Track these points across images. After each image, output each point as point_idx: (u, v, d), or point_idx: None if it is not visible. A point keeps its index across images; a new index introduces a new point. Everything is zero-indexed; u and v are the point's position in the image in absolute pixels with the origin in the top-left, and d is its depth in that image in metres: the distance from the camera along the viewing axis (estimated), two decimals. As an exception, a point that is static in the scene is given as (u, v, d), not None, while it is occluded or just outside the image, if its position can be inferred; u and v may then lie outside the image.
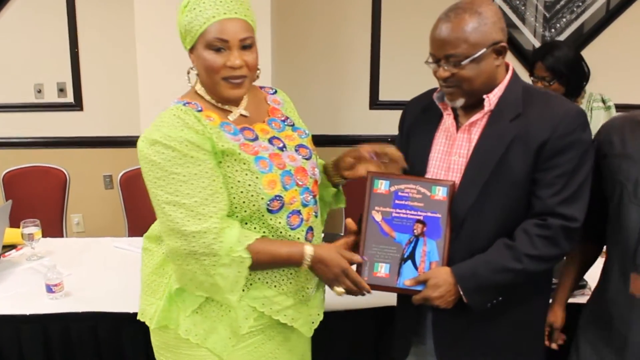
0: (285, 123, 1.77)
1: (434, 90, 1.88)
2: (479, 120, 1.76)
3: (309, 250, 1.64)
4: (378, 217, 1.79)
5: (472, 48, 1.65)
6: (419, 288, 1.74)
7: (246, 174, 1.57)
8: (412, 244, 1.77)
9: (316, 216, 1.77)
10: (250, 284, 1.65)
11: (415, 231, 1.77)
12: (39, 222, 2.85)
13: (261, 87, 1.85)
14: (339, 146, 4.43)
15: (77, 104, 4.52)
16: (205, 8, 1.59)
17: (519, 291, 1.76)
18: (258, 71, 1.70)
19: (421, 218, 1.77)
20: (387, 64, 4.43)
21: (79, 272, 2.70)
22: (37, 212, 3.13)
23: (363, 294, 1.73)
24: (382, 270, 1.77)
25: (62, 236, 3.65)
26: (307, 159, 1.72)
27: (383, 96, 4.50)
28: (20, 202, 3.50)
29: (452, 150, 1.78)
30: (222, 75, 1.59)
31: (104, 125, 4.49)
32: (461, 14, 1.67)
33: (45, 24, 4.39)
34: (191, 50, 1.64)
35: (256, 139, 1.66)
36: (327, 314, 1.89)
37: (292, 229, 1.67)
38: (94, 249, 3.01)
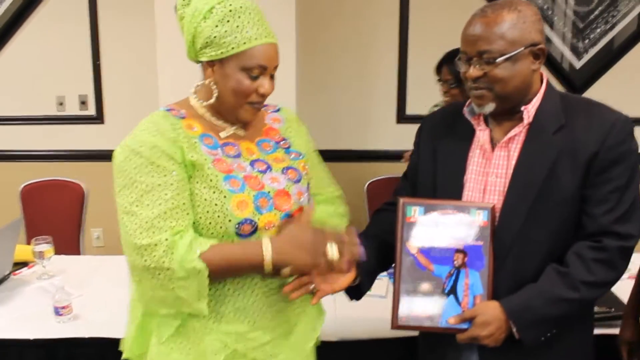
0: (279, 145, 1.65)
1: (454, 106, 1.75)
2: (517, 136, 1.62)
3: (266, 240, 1.46)
4: (413, 249, 1.63)
5: (509, 45, 1.53)
6: (464, 326, 1.59)
7: (213, 192, 1.46)
8: (453, 277, 1.61)
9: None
10: (221, 317, 1.53)
11: (455, 262, 1.61)
12: (52, 239, 2.74)
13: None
14: (366, 161, 4.40)
15: (98, 117, 4.47)
16: (244, 25, 1.47)
17: (567, 320, 1.62)
18: None
19: (461, 247, 1.61)
20: (415, 78, 4.32)
21: (91, 293, 2.58)
22: (53, 227, 3.05)
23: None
24: (422, 308, 1.61)
25: (78, 253, 3.54)
26: (294, 182, 1.59)
27: (410, 110, 4.39)
28: (37, 216, 3.42)
29: (488, 170, 1.64)
30: (251, 100, 1.51)
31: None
32: (499, 10, 1.55)
33: (68, 36, 4.37)
34: (213, 63, 1.51)
35: (237, 156, 1.55)
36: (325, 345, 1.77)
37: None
38: (108, 267, 2.88)
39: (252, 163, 1.55)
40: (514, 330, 1.56)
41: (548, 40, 4.24)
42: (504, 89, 1.56)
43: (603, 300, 2.10)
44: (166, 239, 1.40)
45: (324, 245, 1.46)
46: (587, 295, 1.57)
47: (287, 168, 1.60)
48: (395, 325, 1.62)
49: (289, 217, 1.54)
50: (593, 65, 4.30)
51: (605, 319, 2.14)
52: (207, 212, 1.46)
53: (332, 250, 1.46)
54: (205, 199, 1.45)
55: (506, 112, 1.62)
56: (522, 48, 1.54)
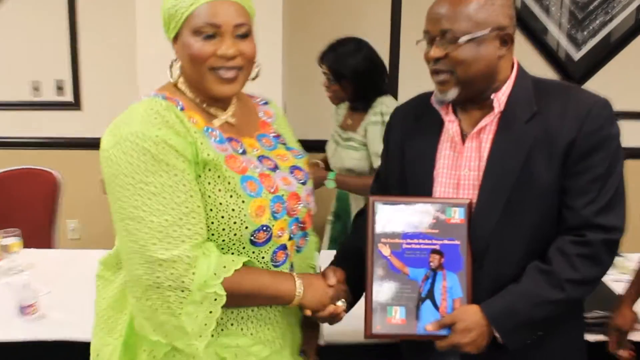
0: (278, 140, 1.54)
1: (425, 95, 1.65)
2: (488, 126, 1.52)
3: (298, 280, 1.43)
4: (386, 250, 1.52)
5: (474, 26, 1.44)
6: (443, 333, 1.49)
7: (230, 196, 1.32)
8: (430, 280, 1.51)
9: (298, 251, 1.53)
10: (222, 330, 1.40)
11: (432, 264, 1.51)
12: (20, 232, 2.61)
13: (250, 96, 1.60)
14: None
15: (75, 103, 4.26)
16: None
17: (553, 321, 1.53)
18: (256, 68, 1.45)
19: (437, 247, 1.51)
20: (407, 71, 4.13)
21: (60, 290, 2.39)
22: (25, 219, 2.91)
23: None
24: (397, 315, 1.51)
25: (51, 246, 3.36)
26: (302, 184, 1.48)
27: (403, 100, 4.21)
28: (8, 207, 3.25)
29: (460, 164, 1.54)
30: (210, 64, 1.35)
31: (103, 126, 4.08)
32: None
33: (44, 18, 4.16)
34: (175, 38, 1.40)
35: (244, 153, 1.42)
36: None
37: (275, 266, 1.45)
38: (81, 262, 2.64)
39: (260, 159, 1.44)
40: (497, 335, 1.47)
41: (544, 29, 4.13)
42: (467, 72, 1.46)
43: (598, 301, 1.97)
44: (187, 255, 1.26)
45: (336, 299, 1.48)
46: (573, 294, 1.47)
47: (294, 167, 1.50)
48: (368, 334, 1.51)
49: (299, 223, 1.46)
50: (592, 57, 4.17)
51: (602, 324, 1.98)
52: (222, 217, 1.33)
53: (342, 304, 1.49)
54: (221, 203, 1.32)
55: (475, 101, 1.53)
56: (488, 30, 1.45)
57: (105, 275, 1.52)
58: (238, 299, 1.36)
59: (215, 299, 1.29)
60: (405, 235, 1.52)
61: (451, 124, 1.57)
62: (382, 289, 1.51)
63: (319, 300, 1.44)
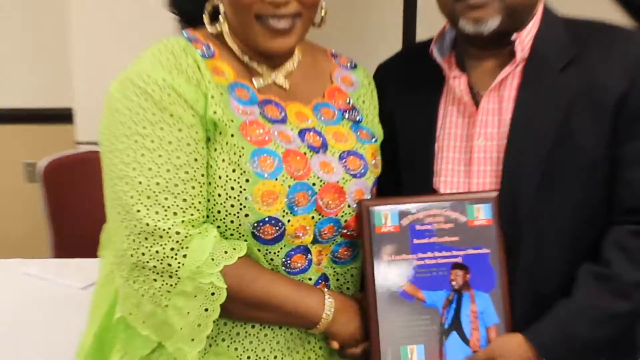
0: (345, 116, 1.27)
1: (415, 48, 1.39)
2: (509, 78, 1.23)
3: (329, 299, 1.18)
4: (392, 272, 1.19)
5: None
6: None
7: (233, 170, 1.11)
8: (454, 305, 1.18)
9: (336, 262, 1.25)
10: (209, 345, 1.17)
11: (454, 283, 1.18)
12: None
13: (333, 54, 1.35)
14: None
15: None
16: None
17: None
18: (322, 11, 1.21)
19: (460, 260, 1.19)
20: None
21: None
22: None
23: None
24: (414, 356, 1.18)
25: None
26: (354, 176, 1.21)
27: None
28: None
29: (472, 132, 1.25)
30: (257, 11, 1.14)
31: (25, 94, 3.59)
32: None
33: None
34: None
35: (281, 121, 1.18)
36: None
37: (290, 273, 1.18)
38: None
39: (302, 134, 1.20)
40: None
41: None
42: None
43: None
44: (177, 232, 1.07)
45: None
46: None
47: (349, 153, 1.23)
48: None
49: (339, 226, 1.19)
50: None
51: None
52: (219, 195, 1.12)
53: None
54: (220, 177, 1.12)
55: (493, 43, 1.22)
56: None
57: (102, 255, 1.32)
58: (240, 305, 1.13)
59: (213, 293, 1.09)
60: (414, 249, 1.18)
61: (457, 81, 1.26)
62: (392, 324, 1.18)
63: (353, 332, 1.19)
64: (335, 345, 1.18)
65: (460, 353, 1.17)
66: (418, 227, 1.18)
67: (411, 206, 1.18)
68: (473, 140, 1.24)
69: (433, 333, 1.17)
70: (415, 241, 1.18)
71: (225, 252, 1.10)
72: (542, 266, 1.20)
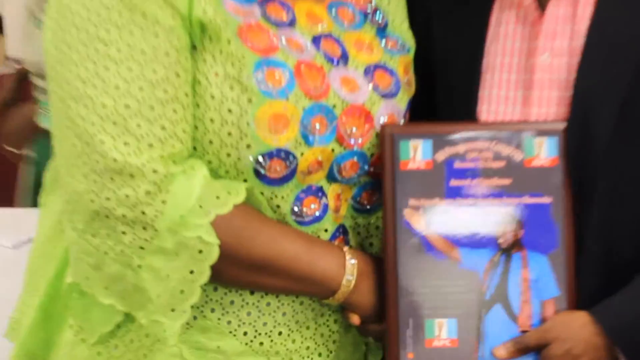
0: (368, 19, 1.08)
1: None
2: None
3: (351, 260, 1.00)
4: (419, 221, 0.98)
5: None
6: None
7: (231, 88, 0.94)
8: (499, 269, 0.97)
9: (360, 211, 1.07)
10: (194, 317, 0.99)
11: (501, 240, 0.96)
12: None
13: None
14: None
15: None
16: None
17: None
18: None
19: (511, 212, 0.98)
20: None
21: None
22: None
23: None
24: (444, 332, 0.98)
25: None
26: (384, 96, 1.03)
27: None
28: None
29: (535, 46, 1.03)
30: None
31: None
32: None
33: None
34: None
35: (289, 25, 1.01)
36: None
37: (300, 223, 1.01)
38: None
39: (317, 41, 1.02)
40: None
41: None
42: None
43: None
44: (155, 170, 0.90)
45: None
46: None
47: (377, 67, 1.05)
48: None
49: (364, 161, 1.01)
50: None
51: None
52: (211, 120, 0.95)
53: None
54: (213, 96, 0.95)
55: None
56: None
57: (46, 202, 1.17)
58: (236, 266, 0.97)
59: (200, 251, 0.92)
60: (451, 192, 0.97)
61: None
62: (415, 289, 0.97)
63: (380, 303, 1.02)
64: (355, 320, 1.00)
65: (504, 332, 0.96)
66: (457, 165, 0.96)
67: (450, 136, 0.95)
68: (535, 56, 1.01)
69: (470, 304, 0.96)
70: (453, 183, 0.96)
71: (218, 197, 0.92)
72: (620, 225, 0.98)
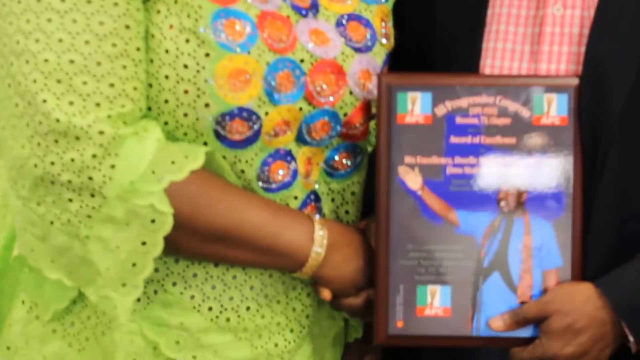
0: None
1: None
2: None
3: (320, 230, 0.95)
4: (414, 179, 0.92)
5: None
6: (523, 334, 0.93)
7: (187, 41, 0.90)
8: (500, 235, 0.92)
9: (332, 175, 1.01)
10: (154, 292, 0.96)
11: (503, 204, 0.91)
12: None
13: None
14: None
15: None
16: None
17: None
18: None
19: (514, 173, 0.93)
20: None
21: None
22: None
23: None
24: (437, 300, 0.93)
25: None
26: (358, 50, 0.98)
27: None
28: None
29: None
30: None
31: None
32: None
33: None
34: None
35: None
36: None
37: (268, 190, 0.96)
38: None
39: None
40: (631, 338, 0.91)
41: None
42: None
43: None
44: (101, 131, 0.86)
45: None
46: None
47: (350, 17, 1.01)
48: (382, 337, 0.94)
49: (335, 121, 0.96)
50: None
51: None
52: (166, 77, 0.91)
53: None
54: (167, 51, 0.91)
55: None
56: None
57: None
58: (194, 237, 0.91)
59: (153, 221, 0.86)
60: (451, 150, 0.91)
61: None
62: (407, 253, 0.92)
63: (353, 276, 0.97)
64: (326, 294, 0.95)
65: (501, 303, 0.90)
66: (459, 121, 0.90)
67: (452, 89, 0.89)
68: (545, 7, 0.96)
69: (466, 271, 0.91)
70: (453, 139, 0.90)
71: (173, 162, 0.86)
72: (634, 193, 0.93)
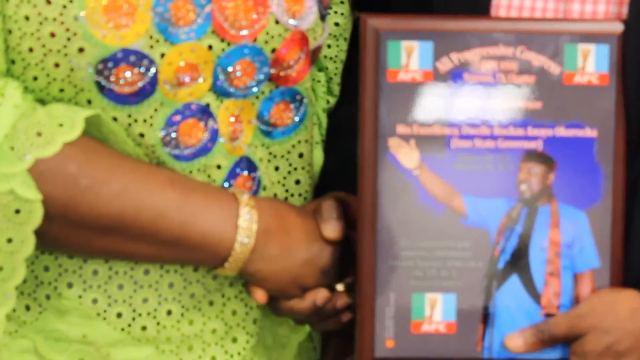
0: None
1: None
2: None
3: (247, 213, 0.78)
4: (409, 156, 0.77)
5: None
6: (550, 356, 0.79)
7: None
8: (519, 227, 0.77)
9: (269, 134, 0.85)
10: (46, 296, 0.83)
11: (524, 187, 0.76)
12: None
13: None
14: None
15: None
16: None
17: None
18: None
19: (539, 146, 0.76)
20: None
21: None
22: None
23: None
24: (437, 312, 0.78)
25: None
26: None
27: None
28: None
29: None
30: None
31: None
32: None
33: None
34: None
35: None
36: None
37: (177, 157, 0.80)
38: None
39: None
40: None
41: None
42: None
43: None
44: None
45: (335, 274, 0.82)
46: None
47: None
48: (367, 357, 0.79)
49: (264, 63, 0.80)
50: None
51: None
52: (26, 19, 0.77)
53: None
54: None
55: None
56: None
57: None
58: (77, 230, 0.78)
59: (18, 211, 0.73)
60: (457, 116, 0.76)
61: None
62: (400, 252, 0.77)
63: (295, 273, 0.84)
64: (260, 296, 0.80)
65: (521, 315, 0.75)
66: (468, 78, 0.73)
67: (459, 37, 0.73)
68: None
69: (475, 275, 0.75)
70: (460, 103, 0.75)
71: (39, 133, 0.72)
72: None
